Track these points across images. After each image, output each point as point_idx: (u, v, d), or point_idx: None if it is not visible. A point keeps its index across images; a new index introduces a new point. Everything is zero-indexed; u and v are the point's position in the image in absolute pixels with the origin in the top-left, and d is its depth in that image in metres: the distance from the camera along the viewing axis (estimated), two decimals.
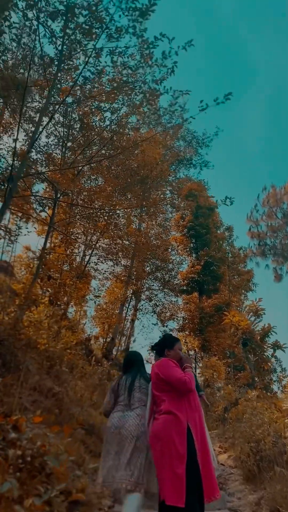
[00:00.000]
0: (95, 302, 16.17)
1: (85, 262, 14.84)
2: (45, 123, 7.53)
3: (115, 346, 22.32)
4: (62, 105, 9.79)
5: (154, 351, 3.58)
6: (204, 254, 18.22)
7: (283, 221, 24.35)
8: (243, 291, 19.94)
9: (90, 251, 15.82)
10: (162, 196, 17.70)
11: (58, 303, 10.07)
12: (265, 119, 63.48)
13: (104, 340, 20.67)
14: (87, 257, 15.26)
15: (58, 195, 8.92)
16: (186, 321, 18.33)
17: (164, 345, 3.55)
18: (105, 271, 19.63)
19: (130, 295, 21.43)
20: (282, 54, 58.84)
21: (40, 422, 4.84)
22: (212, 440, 8.62)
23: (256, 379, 9.57)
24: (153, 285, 21.12)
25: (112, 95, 7.27)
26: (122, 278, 20.38)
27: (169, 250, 20.32)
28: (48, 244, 12.80)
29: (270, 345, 9.68)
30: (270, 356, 9.59)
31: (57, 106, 7.82)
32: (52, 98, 7.00)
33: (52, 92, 6.79)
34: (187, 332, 17.97)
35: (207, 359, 12.42)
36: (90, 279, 18.97)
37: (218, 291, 18.34)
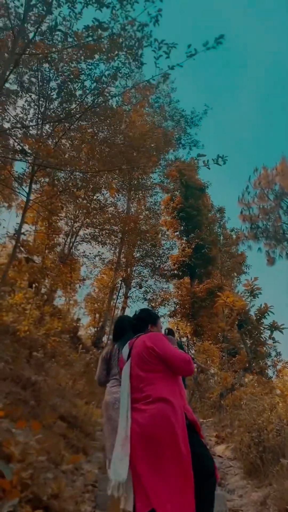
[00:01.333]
0: (80, 286, 15.22)
1: (70, 245, 14.08)
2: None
3: (105, 334, 21.72)
4: (38, 71, 8.99)
5: (134, 326, 2.89)
6: (195, 237, 17.54)
7: (275, 203, 23.77)
8: (235, 274, 19.34)
9: (74, 235, 15.05)
10: (150, 172, 16.86)
11: (39, 287, 9.33)
12: (257, 104, 62.71)
13: (96, 329, 20.05)
14: (72, 239, 14.45)
15: (36, 168, 8.11)
16: (178, 306, 17.69)
17: (148, 320, 2.86)
18: (95, 256, 18.97)
19: (120, 282, 20.78)
20: (273, 41, 57.93)
21: (9, 415, 4.14)
22: (208, 429, 8.01)
23: (253, 363, 8.93)
24: (143, 272, 20.46)
25: (90, 49, 6.41)
26: (111, 266, 19.72)
27: (159, 235, 19.67)
28: (30, 226, 12.06)
29: (267, 326, 9.04)
30: (267, 338, 8.95)
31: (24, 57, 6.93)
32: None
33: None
34: (178, 318, 17.33)
35: (200, 343, 11.82)
36: (77, 266, 18.29)
37: (210, 275, 17.72)
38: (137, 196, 20.78)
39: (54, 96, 8.88)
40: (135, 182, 19.58)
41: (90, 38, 5.75)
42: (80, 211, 12.36)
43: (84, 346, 14.71)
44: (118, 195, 19.22)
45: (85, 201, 10.81)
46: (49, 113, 9.27)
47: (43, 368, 7.78)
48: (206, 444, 6.44)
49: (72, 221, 13.18)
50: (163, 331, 3.35)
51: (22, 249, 8.61)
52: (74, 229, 13.90)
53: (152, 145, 12.32)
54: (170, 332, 3.90)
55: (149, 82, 5.36)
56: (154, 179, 19.95)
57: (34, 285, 8.96)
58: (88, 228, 16.58)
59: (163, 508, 1.98)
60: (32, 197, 9.23)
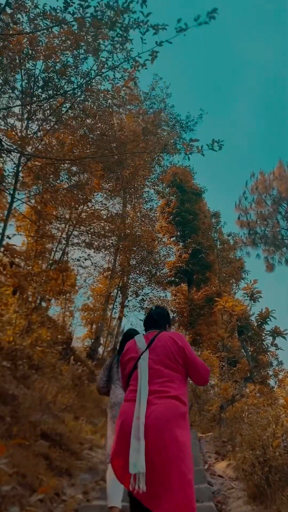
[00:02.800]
0: (73, 295, 14.65)
1: (62, 251, 13.52)
2: None
3: (101, 345, 21.06)
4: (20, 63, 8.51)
5: (151, 320, 2.75)
6: (192, 242, 17.01)
7: (273, 208, 23.30)
8: (234, 280, 18.79)
9: (66, 241, 14.50)
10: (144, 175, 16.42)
11: (23, 294, 8.73)
12: (254, 112, 62.83)
13: (91, 340, 19.44)
14: (64, 245, 13.90)
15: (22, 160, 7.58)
16: (175, 314, 17.10)
17: (168, 318, 2.83)
18: (91, 263, 18.47)
19: (116, 291, 20.23)
20: (270, 49, 58.23)
21: None
22: (207, 445, 7.37)
23: (255, 372, 8.33)
24: (139, 280, 19.91)
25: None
26: (107, 274, 19.20)
27: (156, 242, 19.19)
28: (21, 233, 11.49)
29: (269, 332, 8.45)
30: (269, 345, 8.36)
31: None
32: None
33: None
34: (176, 326, 16.72)
35: (199, 352, 11.22)
36: (72, 274, 17.76)
37: (208, 281, 17.17)
38: (132, 202, 20.36)
39: (39, 91, 8.38)
40: (131, 189, 19.22)
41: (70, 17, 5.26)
42: (72, 214, 11.82)
43: (78, 358, 14.10)
44: (113, 200, 18.82)
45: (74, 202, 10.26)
46: (34, 109, 8.80)
47: (27, 381, 7.20)
48: (205, 461, 5.76)
49: (63, 224, 12.62)
50: None
51: (6, 253, 8.03)
52: (65, 234, 13.32)
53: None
54: (167, 311, 3.43)
55: (135, 60, 4.84)
56: (149, 181, 19.56)
57: (17, 292, 8.36)
58: (81, 235, 16.12)
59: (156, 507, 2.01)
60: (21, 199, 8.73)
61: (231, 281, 19.17)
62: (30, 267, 9.10)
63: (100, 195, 17.49)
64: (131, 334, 3.66)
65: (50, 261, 12.92)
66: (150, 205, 20.83)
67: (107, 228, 16.59)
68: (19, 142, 6.54)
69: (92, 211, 13.53)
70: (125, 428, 2.17)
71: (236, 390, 8.20)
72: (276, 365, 19.46)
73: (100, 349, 19.86)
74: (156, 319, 2.73)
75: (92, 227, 14.88)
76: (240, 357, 14.32)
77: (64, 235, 13.58)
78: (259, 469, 4.23)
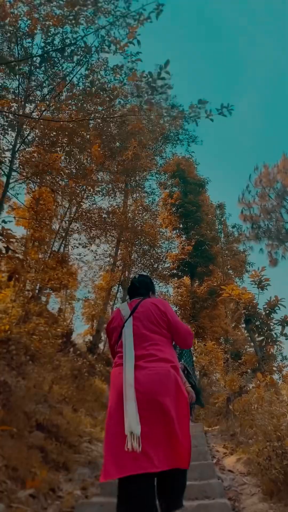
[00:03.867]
0: (69, 287, 14.22)
1: (61, 241, 13.10)
2: None
3: (102, 340, 20.66)
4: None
5: (134, 288, 2.80)
6: (195, 233, 16.56)
7: (277, 201, 22.85)
8: (237, 273, 18.32)
9: (66, 231, 14.08)
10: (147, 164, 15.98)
11: (19, 281, 8.32)
12: (259, 105, 62.34)
13: (92, 336, 19.08)
14: (64, 234, 13.48)
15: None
16: (178, 307, 16.66)
17: (151, 286, 2.87)
18: (94, 256, 18.13)
19: (118, 286, 19.83)
20: (275, 42, 57.67)
21: None
22: (214, 439, 6.95)
23: (263, 363, 7.91)
24: (140, 273, 19.46)
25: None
26: (108, 268, 18.81)
27: (158, 236, 18.77)
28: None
29: (278, 321, 8.03)
30: (279, 335, 7.94)
31: None
32: None
33: None
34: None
35: (202, 344, 10.80)
36: (73, 268, 17.43)
37: (211, 274, 16.72)
38: (134, 195, 19.93)
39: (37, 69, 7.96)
40: (132, 181, 18.80)
41: None
42: (72, 201, 11.39)
43: (78, 351, 13.71)
44: (114, 192, 18.40)
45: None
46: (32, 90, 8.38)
47: (23, 371, 6.79)
48: (213, 456, 5.32)
49: (63, 210, 12.18)
50: None
51: (2, 237, 7.61)
52: (64, 223, 12.90)
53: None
54: (150, 279, 3.41)
55: (139, 14, 4.42)
56: (151, 175, 19.11)
57: (13, 278, 7.95)
58: (82, 226, 15.73)
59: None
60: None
61: (234, 275, 18.69)
62: (28, 255, 8.66)
63: (101, 187, 17.10)
64: None
65: (49, 253, 12.53)
66: (152, 198, 20.44)
67: (108, 220, 16.21)
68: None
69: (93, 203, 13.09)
70: (118, 393, 2.19)
71: (243, 382, 7.79)
72: (281, 360, 18.99)
73: (101, 345, 19.51)
74: (139, 286, 2.78)
75: (92, 219, 14.51)
76: (243, 351, 13.90)
77: (64, 224, 13.15)
78: (276, 462, 3.81)
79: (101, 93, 8.26)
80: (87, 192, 12.57)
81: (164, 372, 2.22)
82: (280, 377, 17.52)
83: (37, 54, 6.63)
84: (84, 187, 11.18)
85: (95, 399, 9.63)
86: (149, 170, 17.61)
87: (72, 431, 5.53)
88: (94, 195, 13.76)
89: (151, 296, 2.76)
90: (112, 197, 18.84)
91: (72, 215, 12.67)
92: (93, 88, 7.12)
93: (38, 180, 8.30)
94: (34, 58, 8.38)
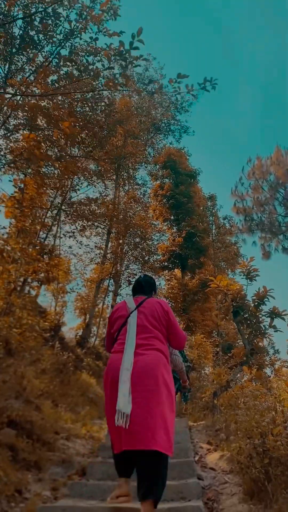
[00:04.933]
0: (57, 280, 13.93)
1: (48, 231, 12.77)
2: None
3: (93, 334, 20.43)
4: None
5: (140, 287, 3.06)
6: (186, 225, 16.26)
7: (270, 193, 22.63)
8: (229, 265, 18.09)
9: (55, 223, 13.78)
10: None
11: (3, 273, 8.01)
12: (254, 99, 61.95)
13: (82, 330, 18.81)
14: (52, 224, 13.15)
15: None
16: (168, 300, 16.39)
17: (154, 287, 3.15)
18: (84, 249, 17.87)
19: (109, 280, 19.56)
20: (271, 35, 57.18)
21: None
22: (199, 434, 6.72)
23: (251, 356, 7.67)
24: (131, 266, 19.21)
25: None
26: (99, 260, 18.53)
27: (150, 229, 18.47)
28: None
29: (266, 313, 7.78)
30: (267, 327, 7.69)
31: None
32: None
33: None
34: None
35: (192, 337, 10.55)
36: (61, 260, 17.13)
37: (203, 266, 16.45)
38: (126, 186, 19.63)
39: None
40: (123, 173, 18.49)
41: None
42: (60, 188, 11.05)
43: (65, 345, 13.45)
44: (103, 181, 18.09)
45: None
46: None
47: (1, 366, 6.50)
48: (196, 452, 5.08)
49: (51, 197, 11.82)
50: None
51: None
52: (50, 213, 12.55)
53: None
54: (154, 280, 3.46)
55: None
56: (142, 165, 18.81)
57: None
58: (71, 221, 15.43)
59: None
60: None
61: (226, 268, 18.45)
62: (8, 244, 8.32)
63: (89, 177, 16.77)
64: None
65: (35, 244, 12.20)
66: (144, 190, 20.12)
67: (98, 212, 15.91)
68: None
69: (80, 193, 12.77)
70: (114, 375, 2.46)
71: (231, 376, 7.55)
72: (273, 354, 18.86)
73: (93, 339, 19.27)
74: (144, 285, 3.03)
75: (80, 209, 14.19)
76: (235, 344, 13.69)
77: (50, 214, 12.79)
78: (257, 461, 3.56)
79: (83, 74, 7.94)
80: (73, 179, 12.25)
81: (158, 359, 2.51)
82: (272, 371, 17.38)
83: (17, 18, 6.22)
84: (71, 176, 10.84)
85: (81, 393, 9.39)
86: (139, 161, 17.33)
87: (48, 428, 5.26)
88: (79, 185, 13.43)
89: (153, 295, 3.03)
90: (102, 188, 18.57)
91: (59, 205, 12.32)
92: (74, 69, 6.77)
93: (21, 167, 7.95)
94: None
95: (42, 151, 8.39)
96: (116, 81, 4.29)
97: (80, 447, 5.48)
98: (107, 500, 2.94)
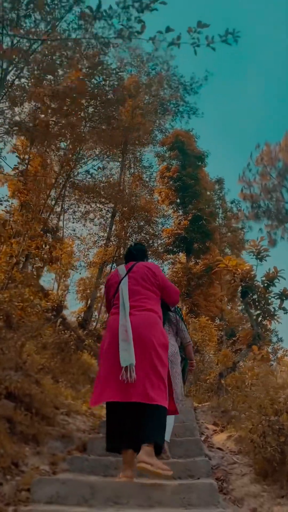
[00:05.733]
0: (60, 261, 13.69)
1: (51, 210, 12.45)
2: None
3: (95, 316, 20.22)
4: None
5: (131, 254, 3.21)
6: (192, 208, 15.88)
7: (278, 180, 22.22)
8: (236, 250, 17.74)
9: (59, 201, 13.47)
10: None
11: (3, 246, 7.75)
12: (264, 88, 60.95)
13: (84, 312, 18.61)
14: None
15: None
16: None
17: (145, 254, 3.31)
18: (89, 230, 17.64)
19: (112, 264, 19.28)
20: (281, 26, 55.94)
21: None
22: (204, 415, 6.49)
23: (259, 339, 7.42)
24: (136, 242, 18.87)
25: None
26: (102, 244, 18.24)
27: (154, 213, 18.11)
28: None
29: (276, 294, 7.51)
30: (277, 309, 7.43)
31: None
32: None
33: None
34: None
35: (196, 319, 10.27)
36: (65, 244, 16.95)
37: (208, 251, 16.11)
38: (131, 168, 19.23)
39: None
40: (129, 154, 18.09)
41: None
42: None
43: (67, 325, 13.26)
44: (109, 164, 17.72)
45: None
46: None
47: (1, 338, 6.25)
48: (202, 433, 4.84)
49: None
50: None
51: None
52: (55, 191, 12.22)
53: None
54: (145, 247, 3.57)
55: None
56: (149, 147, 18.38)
57: None
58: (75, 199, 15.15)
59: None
60: None
61: (232, 254, 18.11)
62: (11, 216, 8.04)
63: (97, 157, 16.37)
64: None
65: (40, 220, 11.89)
66: (150, 173, 19.71)
67: (102, 193, 15.58)
68: None
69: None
70: (114, 334, 2.61)
71: (238, 357, 7.31)
72: (276, 342, 18.62)
73: (94, 323, 19.06)
74: (135, 254, 3.16)
75: (85, 187, 13.87)
76: (238, 329, 13.45)
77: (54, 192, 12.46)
78: (272, 439, 3.31)
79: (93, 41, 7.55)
80: (79, 153, 11.88)
81: (151, 318, 2.68)
82: (274, 359, 17.15)
83: None
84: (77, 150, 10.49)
85: (82, 372, 9.16)
86: (146, 141, 16.88)
87: (48, 402, 5.02)
88: (84, 159, 13.02)
89: (144, 261, 3.14)
90: (107, 169, 18.20)
91: (64, 181, 11.98)
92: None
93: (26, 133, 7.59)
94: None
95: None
96: (130, 29, 3.94)
97: (81, 423, 5.26)
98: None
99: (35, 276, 14.64)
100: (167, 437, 3.64)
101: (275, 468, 3.25)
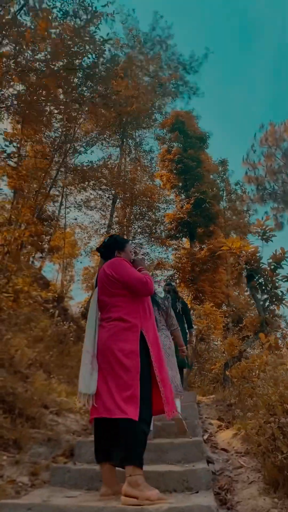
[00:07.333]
0: (59, 250, 13.30)
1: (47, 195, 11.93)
2: None
3: None
4: None
5: (100, 254, 3.05)
6: (195, 191, 15.26)
7: (283, 161, 21.54)
8: (240, 234, 17.14)
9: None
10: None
11: None
12: (270, 70, 59.44)
13: (87, 302, 18.27)
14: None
15: None
16: (175, 270, 15.57)
17: (115, 246, 2.96)
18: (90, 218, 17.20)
19: None
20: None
21: None
22: (208, 409, 6.03)
23: (267, 325, 6.91)
24: (137, 237, 18.37)
25: None
26: (104, 231, 17.76)
27: (155, 197, 17.54)
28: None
29: (284, 277, 6.98)
30: (285, 293, 6.91)
31: None
32: None
33: None
34: (177, 283, 15.21)
35: (200, 306, 9.82)
36: (67, 234, 16.54)
37: (212, 235, 15.53)
38: (131, 155, 18.63)
39: None
40: (129, 138, 17.50)
41: None
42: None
43: (69, 317, 12.87)
44: (109, 149, 17.14)
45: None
46: None
47: None
48: (205, 430, 4.34)
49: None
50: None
51: None
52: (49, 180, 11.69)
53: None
54: (115, 236, 3.20)
55: None
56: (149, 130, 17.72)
57: None
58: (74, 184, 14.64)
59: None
60: None
61: (237, 235, 17.52)
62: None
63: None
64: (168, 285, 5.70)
65: (35, 209, 11.40)
66: (150, 157, 19.08)
67: (102, 179, 15.04)
68: None
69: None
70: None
71: (243, 346, 6.82)
72: (285, 327, 18.09)
73: None
74: (103, 251, 2.98)
75: (83, 172, 13.33)
76: (247, 315, 12.94)
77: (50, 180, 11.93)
78: (283, 443, 2.82)
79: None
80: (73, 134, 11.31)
81: (117, 328, 2.59)
82: (283, 344, 16.65)
83: None
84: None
85: (78, 365, 8.74)
86: (146, 124, 16.24)
87: (35, 401, 4.56)
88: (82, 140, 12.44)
89: (117, 254, 2.88)
90: (105, 153, 17.65)
91: (59, 166, 11.43)
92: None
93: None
94: None
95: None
96: None
97: (72, 423, 4.80)
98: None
99: (36, 267, 14.25)
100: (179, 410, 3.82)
101: (287, 477, 2.76)
